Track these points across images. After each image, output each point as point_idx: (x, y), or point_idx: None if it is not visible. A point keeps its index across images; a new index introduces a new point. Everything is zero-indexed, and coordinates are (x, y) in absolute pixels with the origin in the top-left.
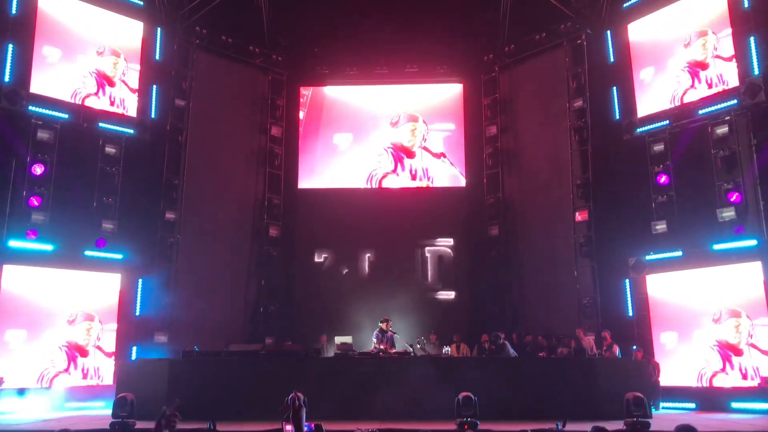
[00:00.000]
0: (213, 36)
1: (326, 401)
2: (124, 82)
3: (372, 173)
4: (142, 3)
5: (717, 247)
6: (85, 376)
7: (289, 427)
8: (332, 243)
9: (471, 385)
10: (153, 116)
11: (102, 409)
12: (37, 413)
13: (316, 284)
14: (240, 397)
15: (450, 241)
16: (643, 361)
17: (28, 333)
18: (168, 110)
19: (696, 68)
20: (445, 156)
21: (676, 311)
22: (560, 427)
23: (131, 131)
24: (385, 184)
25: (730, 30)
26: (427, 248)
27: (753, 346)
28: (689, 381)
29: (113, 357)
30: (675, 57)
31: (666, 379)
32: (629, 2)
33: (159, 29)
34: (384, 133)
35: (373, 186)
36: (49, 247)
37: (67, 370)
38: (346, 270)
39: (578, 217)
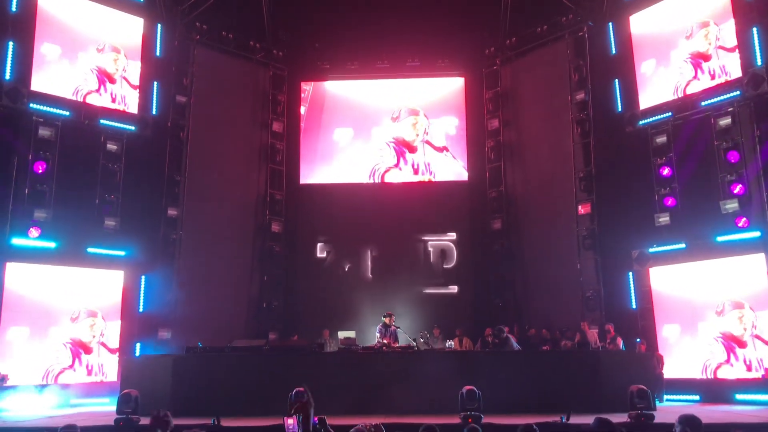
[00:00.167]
0: (213, 31)
1: (330, 396)
2: (125, 78)
3: (375, 168)
4: None
5: (720, 239)
6: (89, 373)
7: (291, 421)
8: (334, 238)
9: (474, 379)
10: (154, 113)
11: (106, 406)
12: (42, 410)
13: (319, 279)
14: (244, 393)
15: (452, 235)
16: (646, 354)
17: (31, 330)
18: (169, 106)
19: (698, 59)
20: (447, 150)
21: (679, 303)
22: (564, 420)
23: (132, 128)
24: (388, 178)
25: (732, 21)
26: (429, 242)
27: (757, 337)
28: (693, 373)
29: (117, 353)
30: (677, 48)
31: (670, 372)
32: None
33: (159, 25)
34: (385, 128)
35: (376, 180)
36: (51, 245)
37: (71, 366)
38: (349, 265)
39: (581, 209)
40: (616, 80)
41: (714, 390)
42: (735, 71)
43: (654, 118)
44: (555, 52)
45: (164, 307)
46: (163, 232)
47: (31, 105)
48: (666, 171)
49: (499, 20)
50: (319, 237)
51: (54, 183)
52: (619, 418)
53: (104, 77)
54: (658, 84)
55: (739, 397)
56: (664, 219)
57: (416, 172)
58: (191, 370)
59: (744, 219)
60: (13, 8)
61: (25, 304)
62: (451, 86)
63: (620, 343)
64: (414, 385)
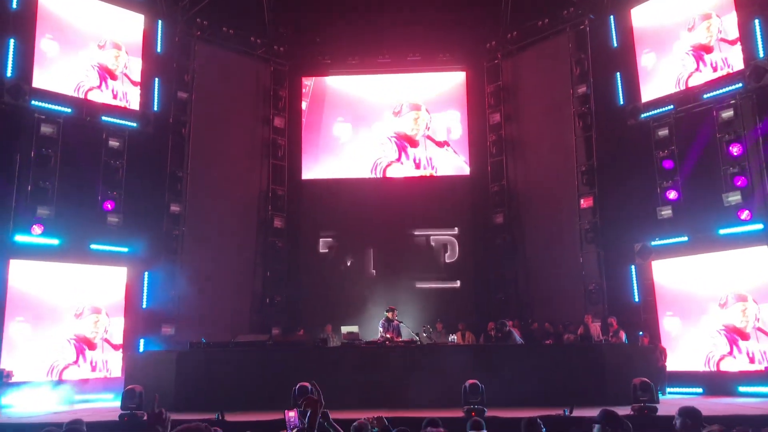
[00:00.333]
0: (214, 27)
1: (333, 390)
2: (126, 75)
3: (376, 162)
4: None
5: (723, 231)
6: (93, 369)
7: (292, 414)
8: (337, 233)
9: (477, 373)
10: (156, 109)
11: (111, 401)
12: (47, 406)
13: (322, 274)
14: (248, 388)
15: (455, 230)
16: (649, 347)
17: (35, 327)
18: (170, 103)
19: (700, 52)
20: (448, 144)
21: (682, 296)
22: (567, 413)
23: (134, 124)
24: (390, 173)
25: (734, 13)
26: (431, 237)
27: (760, 330)
28: (696, 366)
29: (121, 349)
30: (679, 41)
31: (673, 364)
32: None
33: (160, 22)
34: (387, 123)
35: (378, 175)
36: (54, 242)
37: (75, 362)
38: (351, 260)
39: (583, 203)
40: (618, 73)
41: (717, 382)
42: (737, 63)
43: (656, 111)
44: (556, 45)
45: (167, 303)
46: (166, 228)
47: (33, 102)
48: (668, 164)
49: (500, 14)
50: (322, 232)
51: (56, 180)
52: (622, 410)
53: (105, 74)
54: (660, 77)
55: (742, 389)
56: (666, 212)
57: (418, 166)
58: (195, 365)
59: (747, 211)
60: (14, 5)
61: (29, 300)
62: (452, 80)
63: (623, 336)
64: (417, 379)
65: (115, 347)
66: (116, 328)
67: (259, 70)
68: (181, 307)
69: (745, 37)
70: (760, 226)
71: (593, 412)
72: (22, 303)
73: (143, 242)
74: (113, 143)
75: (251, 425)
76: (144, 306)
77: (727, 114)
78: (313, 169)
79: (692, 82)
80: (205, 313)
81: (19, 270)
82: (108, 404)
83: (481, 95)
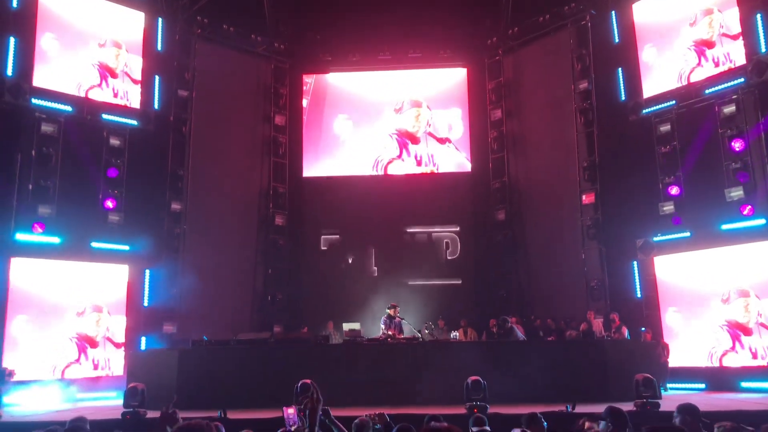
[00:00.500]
0: (214, 25)
1: (334, 387)
2: (126, 73)
3: (378, 159)
4: None
5: (725, 227)
6: (95, 367)
7: (291, 411)
8: (338, 230)
9: (480, 370)
10: (156, 107)
11: (113, 399)
12: (49, 404)
13: (323, 272)
14: (250, 386)
15: (456, 227)
16: (652, 343)
17: (37, 326)
18: (171, 101)
19: (702, 47)
20: (449, 141)
21: (684, 292)
22: (570, 409)
23: (135, 123)
24: (391, 170)
25: (736, 8)
26: (433, 234)
27: (762, 325)
28: (698, 361)
29: (123, 348)
30: (680, 36)
31: (675, 360)
32: None
33: (160, 19)
34: (388, 120)
35: (379, 172)
36: (56, 240)
37: (78, 361)
38: (352, 257)
39: (585, 199)
40: (620, 69)
41: (719, 378)
42: (739, 58)
43: (658, 107)
44: (557, 41)
45: (169, 301)
46: (167, 227)
47: (34, 101)
48: (670, 159)
49: (501, 10)
50: (323, 229)
51: (57, 178)
52: (624, 406)
53: (106, 72)
54: (662, 72)
55: (744, 384)
56: (668, 208)
57: (419, 163)
58: (197, 363)
59: (749, 207)
60: (14, 4)
61: (31, 299)
62: (453, 77)
63: (625, 332)
64: (419, 376)
65: (117, 345)
66: (118, 327)
67: (259, 68)
68: (183, 305)
69: (747, 32)
70: (762, 222)
71: (596, 409)
72: (23, 301)
73: (144, 240)
74: (114, 142)
75: (253, 423)
76: (145, 304)
77: (729, 109)
78: (314, 167)
79: (694, 78)
80: (207, 311)
81: (20, 268)
82: (110, 402)
83: (482, 92)
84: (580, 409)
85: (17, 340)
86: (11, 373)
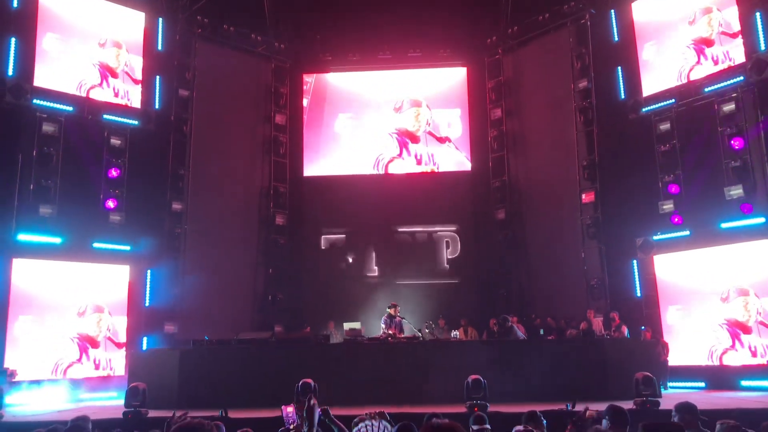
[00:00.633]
0: (215, 25)
1: (335, 387)
2: (127, 73)
3: (378, 158)
4: None
5: (725, 225)
6: (97, 367)
7: (290, 409)
8: (339, 229)
9: (480, 368)
10: (157, 107)
11: (114, 399)
12: (51, 404)
13: (324, 271)
14: (251, 385)
15: (456, 226)
16: (651, 341)
17: (39, 326)
18: (172, 101)
19: (701, 45)
20: (449, 140)
21: (684, 291)
22: (570, 407)
23: (136, 122)
24: (391, 169)
25: (735, 6)
26: (433, 233)
27: (762, 324)
28: (698, 360)
29: (124, 348)
30: (680, 34)
31: (675, 359)
32: None
33: (160, 19)
34: (388, 119)
35: (380, 171)
36: (57, 240)
37: (79, 361)
38: (353, 256)
39: (585, 198)
40: (619, 67)
41: (719, 376)
42: (738, 57)
43: (657, 105)
44: (557, 40)
45: (170, 300)
46: (168, 226)
47: (35, 101)
48: (670, 158)
49: (501, 9)
50: (323, 229)
51: (58, 178)
52: (624, 405)
53: (106, 72)
54: (661, 70)
55: (744, 383)
56: (668, 206)
57: (419, 162)
58: (198, 363)
59: (749, 205)
60: (15, 4)
61: (32, 299)
62: (453, 76)
63: (625, 331)
64: (419, 375)
65: (119, 345)
66: (119, 327)
67: (260, 68)
68: (184, 305)
69: (746, 30)
70: (761, 220)
71: (596, 407)
72: (25, 302)
73: (145, 240)
74: (115, 141)
75: (254, 422)
76: (147, 304)
77: (729, 107)
78: (314, 166)
79: (693, 76)
80: (208, 311)
81: (22, 269)
82: (112, 402)
83: (482, 91)
84: (580, 407)
85: (19, 340)
86: (13, 373)
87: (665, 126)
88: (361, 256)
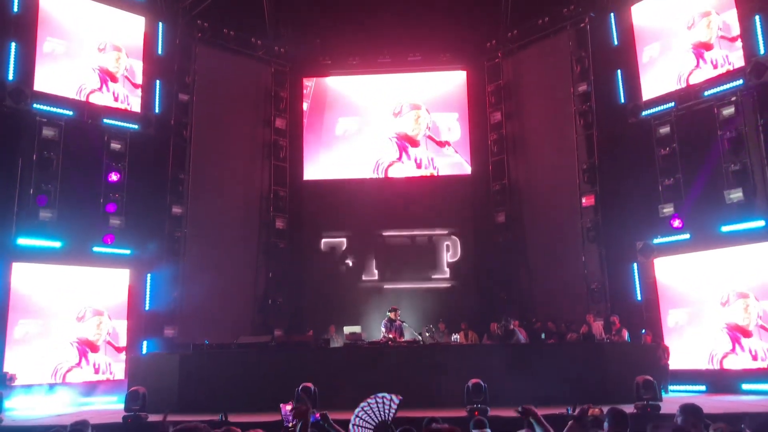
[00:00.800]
0: (215, 29)
1: (335, 391)
2: (127, 77)
3: (378, 162)
4: None
5: (725, 228)
6: (96, 371)
7: (289, 407)
8: (339, 233)
9: (481, 372)
10: (157, 111)
11: (114, 404)
12: (50, 408)
13: (324, 275)
14: (251, 389)
15: (456, 229)
16: (652, 345)
17: (38, 330)
18: (172, 105)
19: (701, 49)
20: (449, 144)
21: (684, 294)
22: (570, 411)
23: (136, 126)
24: (391, 173)
25: (734, 10)
26: (433, 236)
27: (762, 327)
28: (699, 364)
29: (124, 352)
30: (679, 38)
31: (676, 362)
32: None
33: (161, 24)
34: (388, 123)
35: (379, 175)
36: (57, 244)
37: (78, 365)
38: (353, 260)
39: (585, 201)
40: (619, 71)
41: (720, 380)
42: (738, 60)
43: (657, 109)
44: (557, 43)
45: (170, 304)
46: (168, 230)
47: (35, 105)
48: (669, 161)
49: (500, 13)
50: (323, 233)
51: (59, 182)
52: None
53: (106, 76)
54: (661, 74)
55: (745, 387)
56: (668, 209)
57: (419, 166)
58: (198, 367)
59: (748, 208)
60: (15, 9)
61: (32, 304)
62: (452, 80)
63: (625, 334)
64: (420, 379)
65: (118, 350)
66: (119, 331)
67: (260, 72)
68: (184, 309)
69: (746, 34)
70: (761, 223)
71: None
72: (25, 306)
73: (146, 244)
74: (115, 145)
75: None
76: (146, 308)
77: (728, 111)
78: (314, 170)
79: (693, 80)
80: (208, 315)
81: (21, 273)
82: (111, 406)
83: (481, 94)
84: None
85: (18, 344)
86: (12, 378)
87: (665, 129)
88: (361, 259)
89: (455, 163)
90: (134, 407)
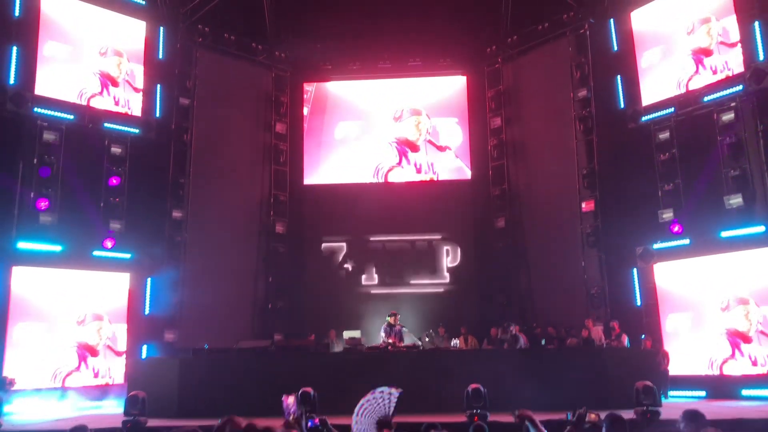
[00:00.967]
0: (216, 34)
1: (335, 396)
2: (128, 82)
3: (378, 167)
4: (144, 2)
5: (725, 234)
6: (96, 376)
7: (291, 400)
8: (339, 238)
9: (480, 377)
10: (157, 115)
11: (114, 408)
12: (50, 413)
13: (324, 279)
14: (250, 394)
15: (456, 234)
16: (652, 351)
17: (38, 334)
18: (172, 109)
19: (700, 55)
20: (449, 149)
21: (684, 299)
22: (570, 417)
23: (136, 131)
24: (391, 178)
25: (733, 16)
26: (433, 241)
27: (762, 333)
28: (699, 369)
29: (124, 356)
30: (679, 44)
31: (675, 368)
32: None
33: (161, 28)
34: (388, 128)
35: (379, 180)
36: (57, 248)
37: (78, 369)
38: (353, 265)
39: (584, 206)
40: (618, 77)
41: (720, 386)
42: (737, 66)
43: (656, 114)
44: (556, 49)
45: (170, 309)
46: (168, 235)
47: (36, 109)
48: (669, 167)
49: (501, 18)
50: (324, 237)
51: (59, 187)
52: (625, 414)
53: (107, 81)
54: (660, 80)
55: (745, 392)
56: (667, 215)
57: (419, 171)
58: (198, 371)
59: (748, 214)
60: (17, 13)
61: (32, 307)
62: (453, 85)
63: (625, 340)
64: (419, 384)
65: (118, 354)
66: (119, 335)
67: (260, 76)
68: (184, 313)
69: (745, 40)
70: (761, 228)
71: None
72: (24, 310)
73: (146, 248)
74: (115, 150)
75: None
76: (146, 312)
77: (728, 116)
78: (314, 175)
79: (692, 85)
80: (208, 319)
81: (22, 277)
82: (111, 411)
83: (481, 100)
84: None
85: (18, 348)
86: (12, 382)
87: (664, 135)
88: (361, 264)
89: (455, 168)
90: (134, 412)
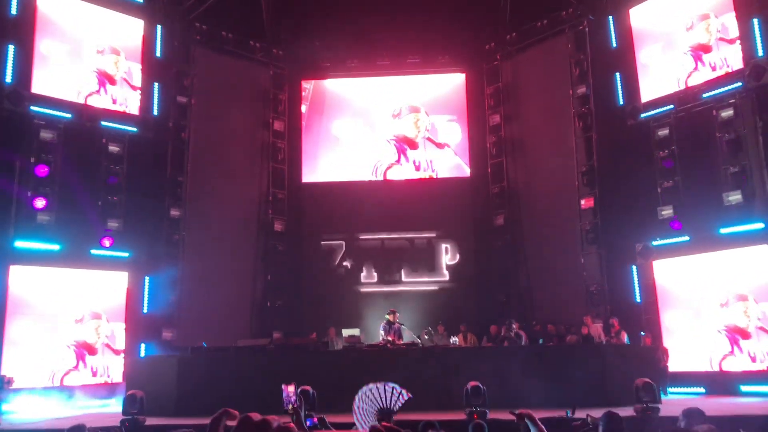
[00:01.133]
0: (213, 32)
1: (334, 394)
2: (125, 80)
3: (376, 164)
4: (141, 0)
5: (724, 231)
6: (94, 374)
7: (291, 389)
8: (337, 236)
9: (479, 375)
10: (155, 114)
11: (112, 407)
12: (48, 412)
13: (323, 277)
14: (249, 392)
15: (455, 231)
16: (651, 347)
17: (36, 333)
18: (170, 107)
19: (699, 51)
20: (448, 146)
21: (683, 296)
22: (570, 414)
23: (134, 129)
24: (390, 175)
25: (732, 13)
26: (432, 239)
27: (761, 329)
28: (698, 366)
29: (122, 355)
30: (678, 41)
31: (675, 364)
32: None
33: (159, 26)
34: (387, 125)
35: (378, 177)
36: (55, 247)
37: (76, 368)
38: (352, 263)
39: (584, 204)
40: (617, 74)
41: (719, 382)
42: (736, 63)
43: (656, 111)
44: (555, 46)
45: (168, 307)
46: (166, 233)
47: (33, 108)
48: (668, 164)
49: (499, 15)
50: (322, 235)
51: (57, 185)
52: (624, 411)
53: (105, 79)
54: (660, 76)
55: (744, 389)
56: (667, 212)
57: (418, 168)
58: (196, 370)
59: (747, 210)
60: (13, 11)
61: (30, 306)
62: (451, 82)
63: (625, 336)
64: (419, 381)
65: (116, 352)
66: (117, 333)
67: (258, 74)
68: (182, 312)
69: (744, 37)
70: (760, 225)
71: (595, 414)
72: (22, 309)
73: (144, 247)
74: (113, 148)
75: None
76: (145, 311)
77: (727, 113)
78: (313, 172)
79: (692, 82)
80: (206, 318)
81: (19, 276)
82: (109, 410)
83: (480, 97)
84: (579, 414)
85: (16, 347)
86: (10, 381)
87: (664, 132)
88: (360, 262)
89: (454, 165)
90: (132, 410)
